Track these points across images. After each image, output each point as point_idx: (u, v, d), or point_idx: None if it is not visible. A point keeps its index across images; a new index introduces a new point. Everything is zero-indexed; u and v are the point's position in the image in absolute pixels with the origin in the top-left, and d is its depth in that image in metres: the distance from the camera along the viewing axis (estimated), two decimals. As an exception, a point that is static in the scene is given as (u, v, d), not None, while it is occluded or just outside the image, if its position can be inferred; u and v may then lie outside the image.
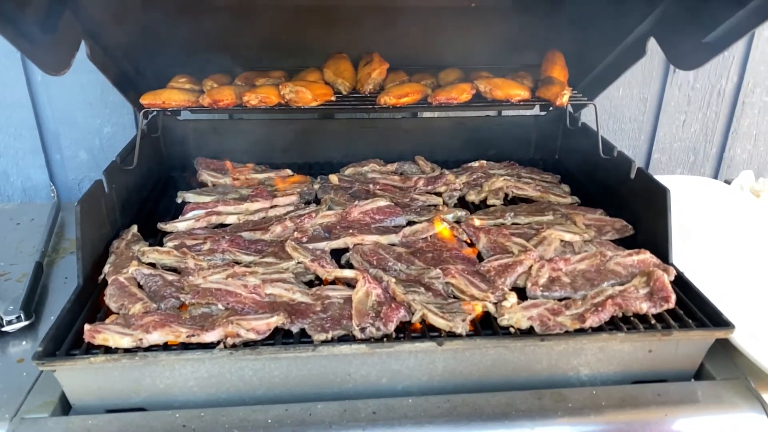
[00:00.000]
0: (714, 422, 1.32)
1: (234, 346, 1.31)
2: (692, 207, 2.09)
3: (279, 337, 1.37)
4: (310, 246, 1.70)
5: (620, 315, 1.45)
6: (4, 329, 1.55)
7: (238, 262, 1.65)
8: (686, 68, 1.86)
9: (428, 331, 1.39)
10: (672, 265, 1.61)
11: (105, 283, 1.56)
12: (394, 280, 1.51)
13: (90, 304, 1.50)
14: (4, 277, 1.81)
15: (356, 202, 1.92)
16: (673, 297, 1.47)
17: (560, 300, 1.49)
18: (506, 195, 2.12)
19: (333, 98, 2.01)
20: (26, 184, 2.61)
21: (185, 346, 1.33)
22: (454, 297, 1.51)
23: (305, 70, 2.14)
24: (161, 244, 1.75)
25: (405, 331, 1.39)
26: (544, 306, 1.44)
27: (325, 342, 1.34)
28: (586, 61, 2.24)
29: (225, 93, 1.89)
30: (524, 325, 1.39)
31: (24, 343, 1.54)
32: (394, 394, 1.36)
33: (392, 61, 2.16)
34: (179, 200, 2.03)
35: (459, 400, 1.32)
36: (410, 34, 2.26)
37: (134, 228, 1.79)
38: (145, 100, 1.90)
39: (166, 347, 1.33)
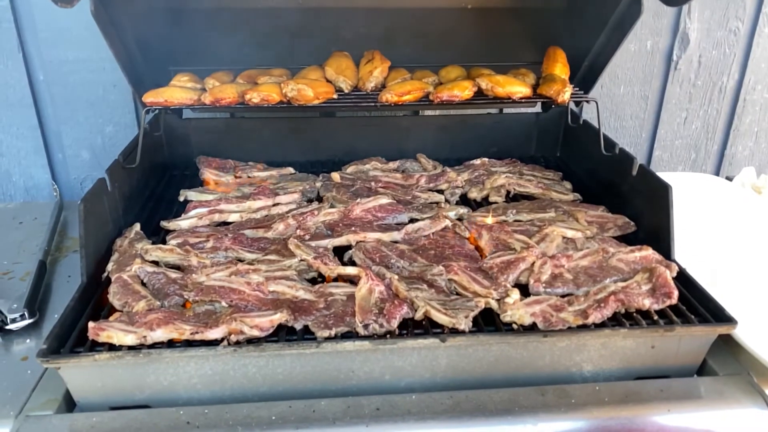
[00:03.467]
0: (717, 418, 1.32)
1: (238, 343, 1.32)
2: (694, 204, 2.09)
3: (282, 334, 1.37)
4: (313, 243, 1.70)
5: (623, 311, 1.45)
6: (8, 327, 1.55)
7: (241, 260, 1.65)
8: (679, 3, 1.82)
9: (431, 328, 1.39)
10: (674, 261, 1.62)
11: (108, 281, 1.56)
12: (396, 277, 1.51)
13: (93, 302, 1.50)
14: (8, 276, 1.81)
15: (358, 200, 1.92)
16: (676, 293, 1.48)
17: (563, 296, 1.49)
18: (508, 192, 2.12)
19: (335, 96, 2.01)
20: (28, 183, 2.62)
21: (189, 344, 1.33)
22: (457, 294, 1.51)
23: (307, 68, 2.14)
24: (164, 242, 1.75)
25: (408, 328, 1.39)
26: (546, 302, 1.44)
27: (328, 339, 1.34)
28: (585, 37, 2.22)
29: (227, 91, 1.89)
30: (527, 321, 1.40)
31: (28, 341, 1.54)
32: (397, 391, 1.36)
33: (393, 59, 2.16)
34: (181, 198, 2.03)
35: (462, 397, 1.32)
36: (411, 33, 2.27)
37: (137, 226, 1.79)
38: (147, 98, 1.91)
39: (170, 344, 1.34)
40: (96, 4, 1.78)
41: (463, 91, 1.97)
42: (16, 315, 1.56)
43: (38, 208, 2.27)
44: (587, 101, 2.08)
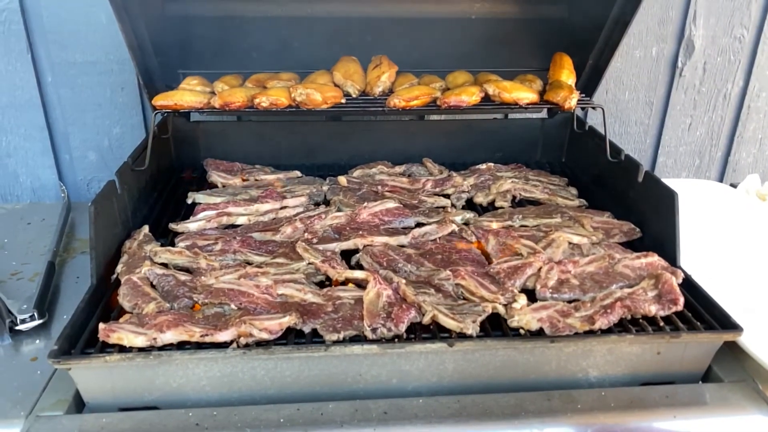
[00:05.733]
0: (722, 424, 1.33)
1: (247, 345, 1.33)
2: (698, 210, 2.10)
3: (291, 337, 1.38)
4: (321, 247, 1.72)
5: (629, 317, 1.46)
6: (17, 328, 1.56)
7: (249, 263, 1.66)
8: None
9: (439, 332, 1.40)
10: (680, 267, 1.63)
11: (117, 282, 1.57)
12: (404, 281, 1.52)
13: (103, 303, 1.52)
14: (17, 276, 1.82)
15: (365, 204, 1.93)
16: (682, 299, 1.49)
17: (569, 302, 1.50)
18: (514, 197, 2.13)
19: (343, 101, 2.02)
20: (35, 183, 2.63)
21: (198, 346, 1.34)
22: (464, 298, 1.52)
23: (315, 73, 2.15)
24: (172, 245, 1.76)
25: (415, 332, 1.40)
26: (553, 308, 1.45)
27: (336, 342, 1.35)
28: (588, 37, 2.24)
29: (237, 95, 1.90)
30: (534, 326, 1.40)
31: (37, 341, 1.55)
32: (404, 395, 1.36)
33: (401, 64, 2.18)
34: (189, 201, 2.04)
35: (469, 401, 1.33)
36: (418, 40, 2.29)
37: (146, 228, 1.80)
38: (157, 101, 1.92)
39: (179, 346, 1.35)
40: None
41: (471, 96, 1.98)
42: (26, 316, 1.57)
43: (45, 209, 2.28)
44: (593, 108, 2.09)
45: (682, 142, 2.86)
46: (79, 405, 1.36)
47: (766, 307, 1.63)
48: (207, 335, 1.34)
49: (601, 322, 1.40)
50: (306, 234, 1.79)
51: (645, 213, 1.85)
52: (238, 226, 1.90)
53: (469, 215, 1.94)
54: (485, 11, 2.29)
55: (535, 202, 2.12)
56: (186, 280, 1.55)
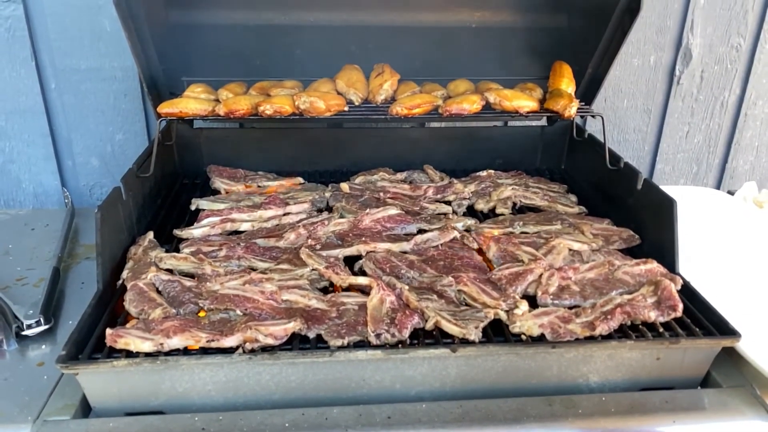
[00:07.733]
0: (720, 429, 1.35)
1: (252, 351, 1.34)
2: (696, 217, 2.13)
3: (296, 343, 1.40)
4: (324, 253, 1.73)
5: (629, 323, 1.48)
6: (24, 333, 1.58)
7: (253, 269, 1.68)
8: None
9: (441, 338, 1.42)
10: (678, 274, 1.65)
11: (123, 288, 1.59)
12: (407, 287, 1.54)
13: (109, 309, 1.53)
14: (22, 282, 1.83)
15: (367, 210, 1.95)
16: (680, 306, 1.50)
17: (570, 308, 1.52)
18: (514, 204, 2.15)
19: (346, 109, 2.04)
20: (38, 189, 2.64)
21: (204, 351, 1.36)
22: (466, 304, 1.54)
23: (318, 81, 2.17)
24: (177, 251, 1.78)
25: (419, 338, 1.42)
26: (554, 314, 1.47)
27: (341, 348, 1.37)
28: (587, 46, 2.27)
29: (241, 103, 1.93)
30: (535, 332, 1.42)
31: (43, 347, 1.56)
32: (407, 400, 1.38)
33: (402, 72, 2.20)
34: (193, 207, 2.05)
35: (471, 406, 1.35)
36: (420, 48, 2.32)
37: (150, 234, 1.82)
38: (162, 109, 1.94)
39: (185, 352, 1.36)
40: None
41: (472, 104, 2.00)
42: (32, 321, 1.59)
43: (49, 215, 2.30)
44: (593, 116, 2.11)
45: (680, 150, 2.88)
46: (85, 409, 1.37)
47: (764, 313, 1.65)
48: (213, 340, 1.35)
49: (602, 328, 1.42)
50: (309, 240, 1.81)
51: (644, 220, 1.87)
52: (242, 232, 1.92)
53: (471, 222, 1.96)
54: (486, 20, 2.33)
55: (535, 209, 2.14)
56: (191, 286, 1.56)
